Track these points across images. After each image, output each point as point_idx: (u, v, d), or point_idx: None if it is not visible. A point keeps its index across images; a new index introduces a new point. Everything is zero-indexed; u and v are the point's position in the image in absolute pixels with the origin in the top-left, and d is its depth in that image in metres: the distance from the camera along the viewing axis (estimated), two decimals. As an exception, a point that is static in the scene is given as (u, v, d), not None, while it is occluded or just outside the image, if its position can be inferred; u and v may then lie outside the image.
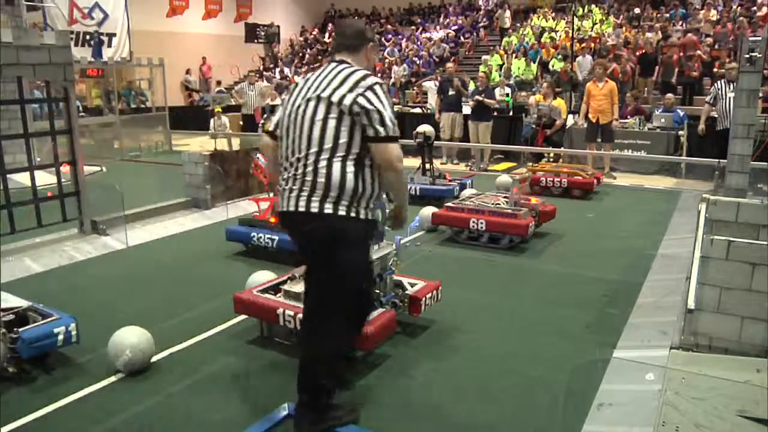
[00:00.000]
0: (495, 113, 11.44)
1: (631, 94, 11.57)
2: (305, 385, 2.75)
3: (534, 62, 15.87)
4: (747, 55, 5.63)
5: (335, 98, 2.52)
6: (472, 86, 11.79)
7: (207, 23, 22.17)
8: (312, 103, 2.58)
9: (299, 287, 3.79)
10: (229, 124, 13.39)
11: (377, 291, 3.72)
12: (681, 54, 13.49)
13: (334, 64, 2.67)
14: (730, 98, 7.97)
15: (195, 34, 21.48)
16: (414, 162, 8.10)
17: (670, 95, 11.45)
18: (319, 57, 22.36)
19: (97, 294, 4.80)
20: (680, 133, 10.10)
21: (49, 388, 3.32)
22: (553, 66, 15.28)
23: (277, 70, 22.12)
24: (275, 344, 3.81)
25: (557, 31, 18.42)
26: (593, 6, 19.24)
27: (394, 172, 2.62)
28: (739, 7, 15.73)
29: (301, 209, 2.57)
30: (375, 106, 2.52)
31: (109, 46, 15.74)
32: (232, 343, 3.88)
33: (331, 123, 2.53)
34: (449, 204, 6.27)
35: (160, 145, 13.91)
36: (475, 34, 20.94)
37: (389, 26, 23.87)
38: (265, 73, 21.82)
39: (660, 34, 15.29)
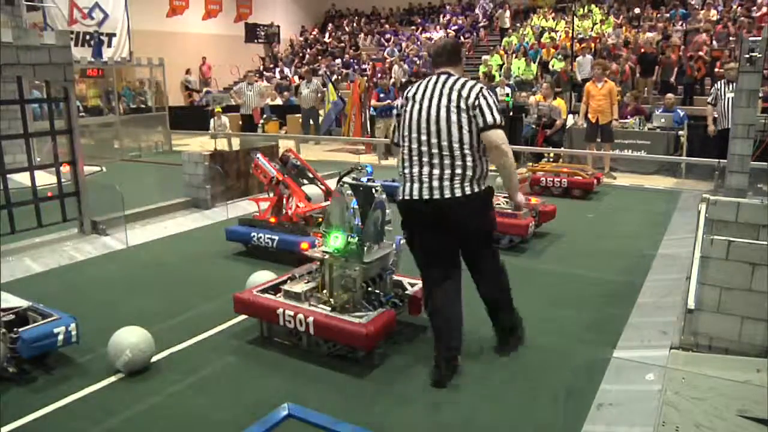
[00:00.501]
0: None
1: (631, 94, 11.56)
2: (457, 347, 3.38)
3: (534, 62, 15.88)
4: (747, 55, 5.64)
5: (463, 104, 3.21)
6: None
7: (207, 23, 22.19)
8: (443, 110, 3.23)
9: (299, 287, 3.80)
10: (229, 124, 13.40)
11: (377, 291, 3.73)
12: (683, 54, 13.48)
13: (444, 77, 3.34)
14: (729, 98, 7.98)
15: (195, 34, 21.50)
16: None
17: (670, 95, 11.45)
18: (319, 57, 22.38)
19: (97, 294, 4.80)
20: (680, 133, 10.10)
21: (49, 388, 3.32)
22: (553, 66, 15.29)
23: (277, 70, 22.13)
24: (275, 344, 3.81)
25: (557, 31, 18.44)
26: (593, 6, 19.26)
27: (501, 152, 3.24)
28: (739, 7, 15.74)
29: (457, 194, 3.23)
30: (488, 103, 3.23)
31: (109, 46, 15.73)
32: (232, 343, 3.88)
33: (464, 123, 3.21)
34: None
35: (160, 145, 13.90)
36: (475, 34, 20.96)
37: (389, 26, 23.90)
38: (265, 73, 21.83)
39: (660, 34, 15.30)
